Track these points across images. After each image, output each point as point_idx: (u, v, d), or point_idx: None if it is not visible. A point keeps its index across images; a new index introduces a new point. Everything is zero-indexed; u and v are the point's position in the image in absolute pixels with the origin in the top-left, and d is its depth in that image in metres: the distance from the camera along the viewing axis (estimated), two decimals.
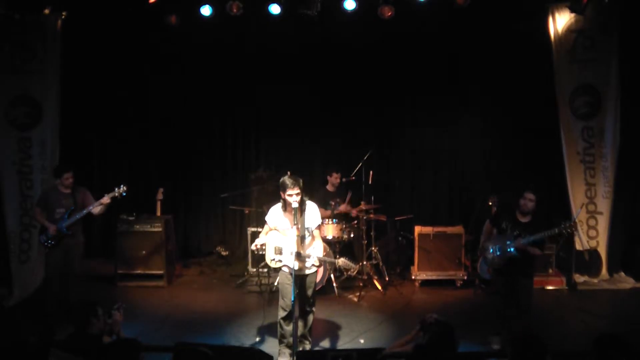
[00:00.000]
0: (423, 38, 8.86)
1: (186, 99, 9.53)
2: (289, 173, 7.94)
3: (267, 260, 5.90)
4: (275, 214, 5.82)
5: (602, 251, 8.31)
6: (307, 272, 5.79)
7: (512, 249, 5.90)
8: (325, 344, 6.44)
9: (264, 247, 5.91)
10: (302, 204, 5.68)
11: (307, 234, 5.74)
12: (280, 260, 5.75)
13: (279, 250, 5.76)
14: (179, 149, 9.79)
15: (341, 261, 5.91)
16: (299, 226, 5.63)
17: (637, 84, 8.11)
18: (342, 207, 8.47)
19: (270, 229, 5.88)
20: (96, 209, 6.97)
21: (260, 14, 8.07)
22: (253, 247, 5.96)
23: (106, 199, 6.94)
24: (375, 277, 8.31)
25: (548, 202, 8.98)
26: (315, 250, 5.78)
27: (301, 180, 5.67)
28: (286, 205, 5.69)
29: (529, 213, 5.96)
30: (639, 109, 8.14)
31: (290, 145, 9.79)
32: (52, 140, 8.14)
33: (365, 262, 8.26)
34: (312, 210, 5.80)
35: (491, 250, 6.11)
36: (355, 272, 8.28)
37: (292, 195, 5.56)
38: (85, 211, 6.95)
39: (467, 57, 8.93)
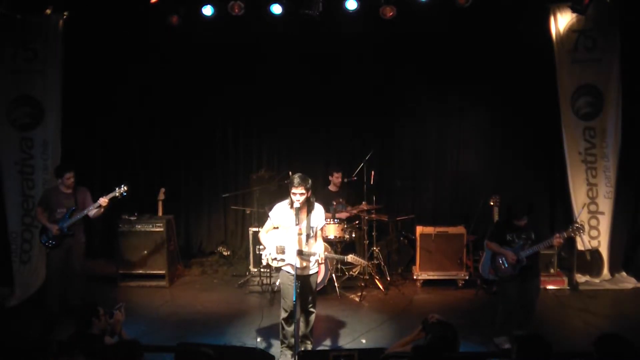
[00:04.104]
0: (424, 38, 8.84)
1: (188, 99, 9.52)
2: (290, 173, 7.97)
3: (269, 259, 5.89)
4: (280, 210, 5.80)
5: (604, 251, 8.29)
6: (309, 272, 5.80)
7: (524, 259, 6.06)
8: (327, 344, 6.44)
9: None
10: (309, 204, 5.70)
11: (311, 233, 5.74)
12: (283, 259, 5.75)
13: (282, 249, 5.75)
14: (181, 149, 9.79)
15: (350, 257, 5.90)
16: (302, 225, 5.65)
17: (639, 83, 8.11)
18: (343, 215, 8.33)
19: (274, 227, 5.87)
20: (92, 212, 6.98)
21: (262, 14, 8.07)
22: (264, 257, 5.89)
23: (104, 200, 6.93)
24: (377, 277, 8.31)
25: (549, 203, 9.10)
26: (318, 249, 5.79)
27: (310, 181, 5.66)
28: (292, 202, 5.69)
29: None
30: None
31: (291, 145, 9.81)
32: (54, 140, 8.14)
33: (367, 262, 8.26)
34: (319, 212, 5.82)
35: (500, 262, 6.20)
36: (357, 271, 8.29)
37: (296, 194, 5.56)
38: (85, 212, 6.96)
39: (468, 58, 8.90)
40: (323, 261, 5.85)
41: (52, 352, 3.99)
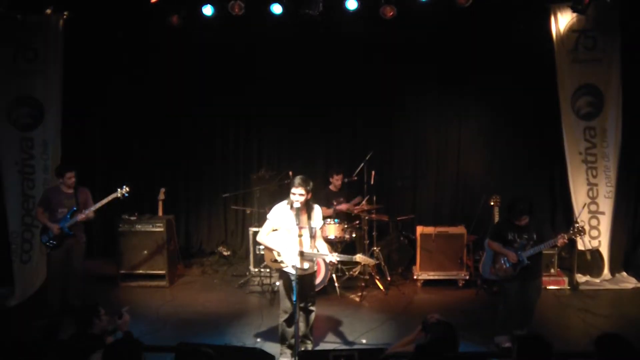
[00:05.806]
0: (424, 38, 8.84)
1: (188, 99, 9.53)
2: (290, 173, 7.97)
3: (268, 261, 5.89)
4: (280, 211, 5.81)
5: (604, 251, 8.30)
6: (308, 272, 5.79)
7: (525, 260, 6.02)
8: (327, 343, 6.44)
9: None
10: (309, 206, 5.72)
11: (312, 234, 5.74)
12: (283, 261, 5.74)
13: (283, 250, 5.76)
14: (181, 149, 9.79)
15: (358, 257, 5.87)
16: (301, 226, 5.65)
17: (639, 83, 8.10)
18: (344, 206, 8.42)
19: (273, 229, 5.87)
20: (82, 216, 6.99)
21: (262, 14, 8.07)
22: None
23: (90, 213, 7.02)
24: (377, 277, 8.30)
25: (550, 203, 9.10)
26: (323, 250, 5.79)
27: (311, 183, 5.67)
28: (292, 203, 5.70)
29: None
30: None
31: (292, 145, 9.80)
32: (54, 140, 8.13)
33: None
34: (317, 212, 5.83)
35: (502, 262, 6.18)
36: (357, 271, 8.29)
37: (295, 195, 5.58)
38: (86, 212, 6.96)
39: (469, 58, 8.91)
40: (337, 262, 5.85)
41: (52, 352, 3.99)
